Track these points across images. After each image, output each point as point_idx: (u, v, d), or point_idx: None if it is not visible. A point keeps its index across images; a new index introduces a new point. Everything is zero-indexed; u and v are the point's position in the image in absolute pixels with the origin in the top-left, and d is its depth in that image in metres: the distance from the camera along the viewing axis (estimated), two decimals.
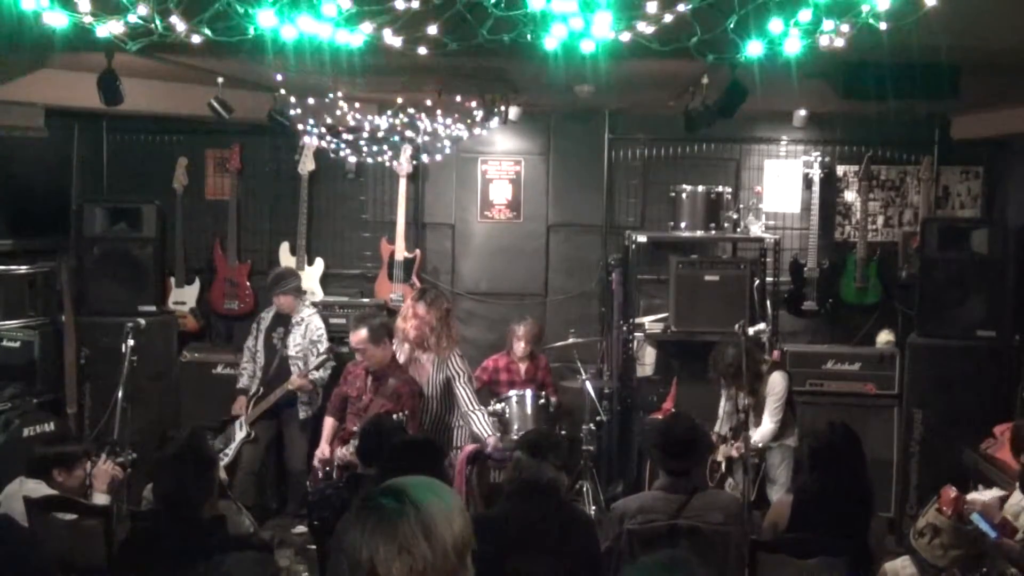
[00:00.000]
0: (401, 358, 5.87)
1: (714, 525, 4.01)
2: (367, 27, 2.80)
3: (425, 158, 6.89)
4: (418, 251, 7.30)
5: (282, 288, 6.53)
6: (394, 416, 5.14)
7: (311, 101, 5.70)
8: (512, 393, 6.40)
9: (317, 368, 6.31)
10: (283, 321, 6.54)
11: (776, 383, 5.79)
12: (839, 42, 2.85)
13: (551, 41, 2.82)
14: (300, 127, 5.95)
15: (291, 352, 6.45)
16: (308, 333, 6.48)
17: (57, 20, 2.59)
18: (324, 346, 6.45)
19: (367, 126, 6.19)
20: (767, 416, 5.74)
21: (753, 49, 2.90)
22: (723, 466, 5.81)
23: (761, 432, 5.72)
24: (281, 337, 6.51)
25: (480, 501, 5.64)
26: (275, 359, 6.47)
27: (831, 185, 7.18)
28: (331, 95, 5.69)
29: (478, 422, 5.78)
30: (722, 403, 6.08)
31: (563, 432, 6.64)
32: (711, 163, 7.29)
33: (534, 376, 6.77)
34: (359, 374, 5.67)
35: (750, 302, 6.57)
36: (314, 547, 4.74)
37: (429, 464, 3.73)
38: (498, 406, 6.30)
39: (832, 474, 4.24)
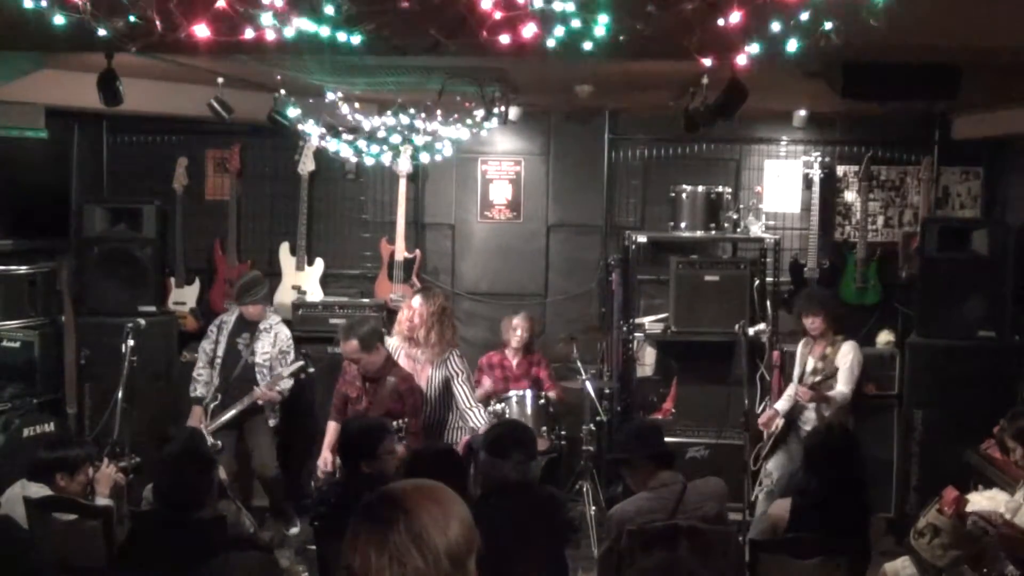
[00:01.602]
0: (401, 357, 5.87)
1: (713, 519, 4.08)
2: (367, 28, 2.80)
3: (425, 158, 6.88)
4: (418, 251, 7.30)
5: (253, 298, 6.30)
6: (396, 422, 5.15)
7: (311, 101, 5.70)
8: (512, 393, 6.40)
9: (290, 376, 6.12)
10: (249, 327, 6.32)
11: (848, 351, 6.02)
12: (839, 42, 2.85)
13: (551, 41, 2.83)
14: (300, 127, 5.94)
15: (258, 360, 6.23)
16: (277, 342, 6.28)
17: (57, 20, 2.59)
18: (292, 356, 6.27)
19: (367, 126, 6.19)
20: (841, 384, 5.91)
21: (753, 49, 2.90)
22: (779, 427, 6.08)
23: (837, 392, 5.89)
24: (247, 343, 6.29)
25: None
26: (238, 366, 6.24)
27: (831, 185, 7.17)
28: (331, 95, 5.68)
29: (475, 417, 5.81)
30: (791, 385, 6.22)
31: (563, 432, 6.65)
32: (711, 163, 7.29)
33: (527, 371, 6.76)
34: (356, 374, 5.64)
35: (750, 302, 6.58)
36: (314, 547, 4.75)
37: (447, 474, 3.74)
38: (498, 406, 6.31)
39: (829, 474, 4.25)
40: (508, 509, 3.78)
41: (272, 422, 6.31)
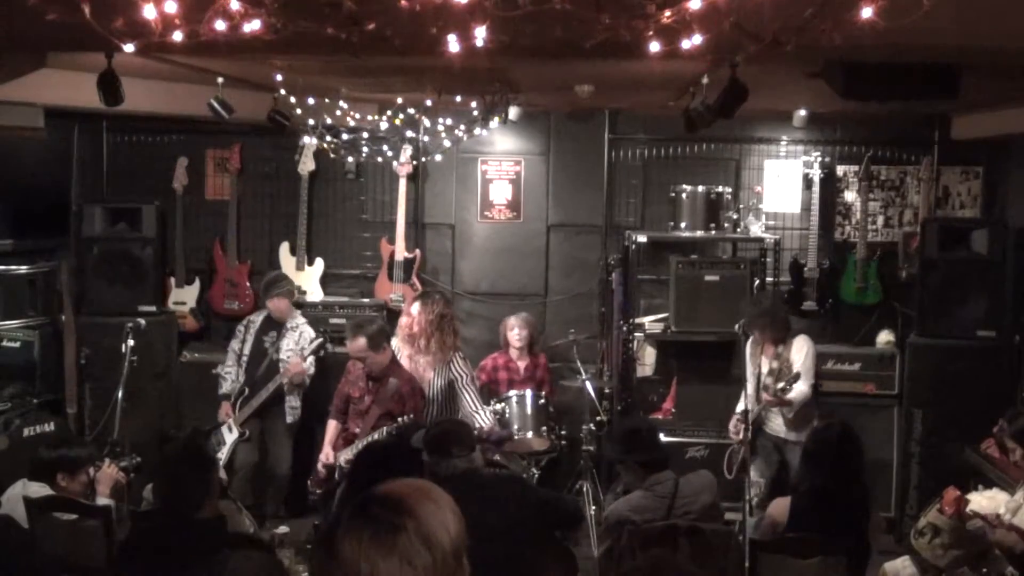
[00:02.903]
0: (404, 359, 5.87)
1: (709, 510, 4.16)
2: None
3: (425, 158, 6.88)
4: (418, 251, 7.30)
5: (277, 291, 6.47)
6: (399, 419, 5.15)
7: (311, 101, 5.70)
8: (512, 393, 6.41)
9: (312, 353, 6.27)
10: (275, 325, 6.50)
11: (802, 345, 5.88)
12: (839, 42, 2.85)
13: (551, 40, 2.83)
14: (300, 127, 5.94)
15: (282, 356, 6.38)
16: (301, 341, 6.42)
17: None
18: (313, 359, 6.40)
19: (367, 126, 6.19)
20: (800, 381, 5.69)
21: (755, 48, 2.90)
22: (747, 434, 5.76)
23: (798, 391, 5.68)
24: (273, 341, 6.45)
25: None
26: (264, 362, 6.39)
27: (831, 185, 7.17)
28: (331, 95, 5.69)
29: (481, 420, 5.82)
30: (747, 388, 5.92)
31: (563, 432, 6.66)
32: (711, 163, 7.29)
33: (533, 374, 6.77)
34: (360, 374, 5.67)
35: None
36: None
37: (399, 469, 3.72)
38: (498, 406, 6.31)
39: (830, 473, 4.25)
40: (458, 498, 3.74)
41: (290, 419, 6.40)
